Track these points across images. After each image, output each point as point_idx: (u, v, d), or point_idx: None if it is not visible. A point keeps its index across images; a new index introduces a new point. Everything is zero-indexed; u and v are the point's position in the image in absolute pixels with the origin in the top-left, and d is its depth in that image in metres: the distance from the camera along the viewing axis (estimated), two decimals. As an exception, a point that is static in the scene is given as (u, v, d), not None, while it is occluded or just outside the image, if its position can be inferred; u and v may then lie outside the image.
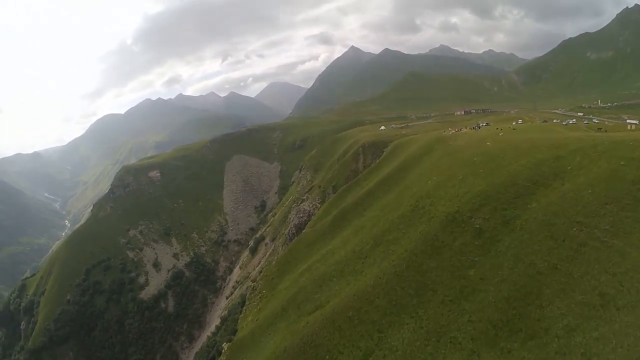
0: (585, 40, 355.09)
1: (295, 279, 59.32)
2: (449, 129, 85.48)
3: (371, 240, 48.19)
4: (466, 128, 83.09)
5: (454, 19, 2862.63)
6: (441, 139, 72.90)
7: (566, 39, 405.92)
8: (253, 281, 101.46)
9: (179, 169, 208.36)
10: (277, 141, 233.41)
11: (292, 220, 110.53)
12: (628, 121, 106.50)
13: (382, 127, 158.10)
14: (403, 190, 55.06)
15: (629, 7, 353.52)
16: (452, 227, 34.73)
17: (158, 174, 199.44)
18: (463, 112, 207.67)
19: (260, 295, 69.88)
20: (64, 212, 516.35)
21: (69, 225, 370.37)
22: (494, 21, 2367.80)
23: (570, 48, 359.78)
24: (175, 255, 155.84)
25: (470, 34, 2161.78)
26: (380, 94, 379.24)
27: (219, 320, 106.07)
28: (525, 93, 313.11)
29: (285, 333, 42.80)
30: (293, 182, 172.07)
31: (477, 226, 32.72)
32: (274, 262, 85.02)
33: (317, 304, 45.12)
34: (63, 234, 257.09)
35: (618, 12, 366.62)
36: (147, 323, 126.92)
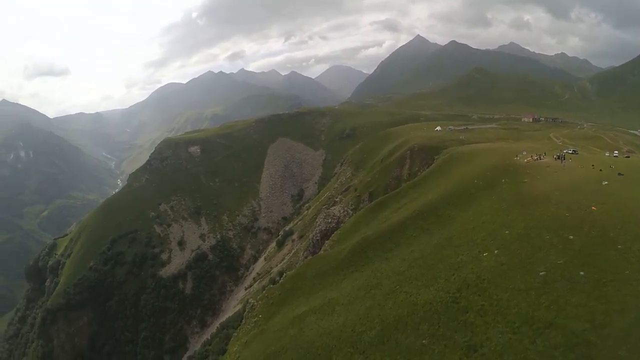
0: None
1: (286, 326, 47.57)
2: (523, 152, 64.31)
3: (379, 323, 31.64)
4: (545, 155, 61.81)
5: (527, 17, 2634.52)
6: (511, 167, 53.59)
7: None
8: (253, 298, 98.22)
9: (221, 147, 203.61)
10: (325, 127, 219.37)
11: (319, 225, 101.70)
12: None
13: (438, 128, 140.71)
14: (444, 245, 37.94)
15: None
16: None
17: (198, 150, 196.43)
18: (531, 119, 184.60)
19: (255, 319, 60.01)
20: (117, 172, 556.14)
21: (120, 184, 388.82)
22: (569, 23, 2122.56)
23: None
24: (202, 236, 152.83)
25: (543, 34, 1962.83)
26: (442, 88, 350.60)
27: (218, 327, 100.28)
28: (598, 105, 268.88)
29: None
30: (334, 175, 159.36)
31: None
32: (280, 282, 75.02)
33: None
34: (114, 192, 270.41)
35: None
36: (162, 302, 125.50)
